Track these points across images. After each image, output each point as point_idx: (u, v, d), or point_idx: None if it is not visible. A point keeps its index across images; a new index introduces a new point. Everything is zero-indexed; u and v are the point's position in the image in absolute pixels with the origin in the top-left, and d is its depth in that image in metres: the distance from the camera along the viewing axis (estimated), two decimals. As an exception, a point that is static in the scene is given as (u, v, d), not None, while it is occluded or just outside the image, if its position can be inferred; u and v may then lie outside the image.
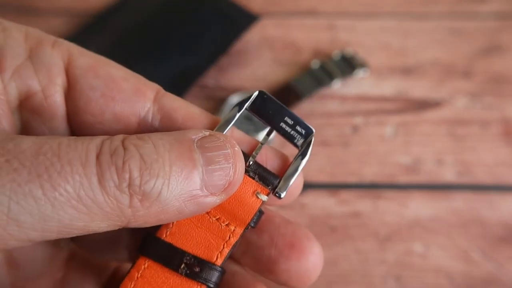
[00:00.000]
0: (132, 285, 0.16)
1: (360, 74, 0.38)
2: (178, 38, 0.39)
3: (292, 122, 0.18)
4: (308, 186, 0.33)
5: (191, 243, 0.17)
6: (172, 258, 0.16)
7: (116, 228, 0.14)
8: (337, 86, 0.38)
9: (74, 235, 0.14)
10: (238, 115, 0.18)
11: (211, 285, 0.16)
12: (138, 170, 0.14)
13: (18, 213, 0.12)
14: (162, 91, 0.18)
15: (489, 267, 0.29)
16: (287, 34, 0.42)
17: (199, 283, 0.16)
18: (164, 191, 0.14)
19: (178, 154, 0.14)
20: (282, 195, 0.17)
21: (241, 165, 0.15)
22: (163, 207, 0.14)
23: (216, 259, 0.17)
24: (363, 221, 0.31)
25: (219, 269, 0.17)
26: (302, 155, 0.18)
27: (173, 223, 0.17)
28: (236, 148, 0.15)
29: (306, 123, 0.18)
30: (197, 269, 0.16)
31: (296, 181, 0.18)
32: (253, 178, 0.17)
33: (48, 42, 0.17)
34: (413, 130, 0.36)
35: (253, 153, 0.18)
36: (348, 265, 0.30)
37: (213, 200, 0.15)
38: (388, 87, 0.39)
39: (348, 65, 0.39)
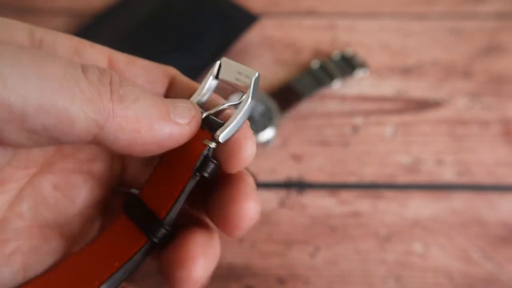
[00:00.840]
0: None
1: (360, 74, 0.38)
2: (178, 38, 0.39)
3: (241, 73, 0.18)
4: (308, 186, 0.33)
5: (153, 199, 0.17)
6: (139, 214, 0.17)
7: (94, 126, 0.14)
8: (337, 86, 0.38)
9: (56, 129, 0.14)
10: (205, 85, 0.19)
11: (155, 240, 0.17)
12: (119, 79, 0.15)
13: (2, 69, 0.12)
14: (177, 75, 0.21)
15: (489, 267, 0.29)
16: (287, 34, 0.42)
17: (145, 237, 0.17)
18: (140, 99, 0.15)
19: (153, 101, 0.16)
20: (220, 138, 0.17)
21: (198, 108, 0.18)
22: (138, 114, 0.15)
23: (163, 212, 0.17)
24: (363, 221, 0.31)
25: (161, 223, 0.17)
26: (244, 99, 0.18)
27: (146, 183, 0.18)
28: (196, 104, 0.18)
29: (248, 68, 0.18)
30: (148, 222, 0.17)
31: (242, 132, 0.18)
32: (204, 129, 0.18)
33: (85, 42, 0.18)
34: (413, 130, 0.36)
35: (211, 110, 0.18)
36: (348, 265, 0.30)
37: (179, 128, 0.16)
38: (388, 87, 0.39)
39: (348, 65, 0.39)
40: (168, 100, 0.17)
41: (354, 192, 0.33)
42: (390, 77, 0.39)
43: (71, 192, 0.18)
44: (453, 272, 0.29)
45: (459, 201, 0.32)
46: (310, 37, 0.42)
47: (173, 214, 0.17)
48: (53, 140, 0.14)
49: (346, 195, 0.33)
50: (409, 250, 0.30)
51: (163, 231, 0.17)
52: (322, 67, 0.39)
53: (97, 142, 0.15)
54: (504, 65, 0.40)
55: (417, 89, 0.38)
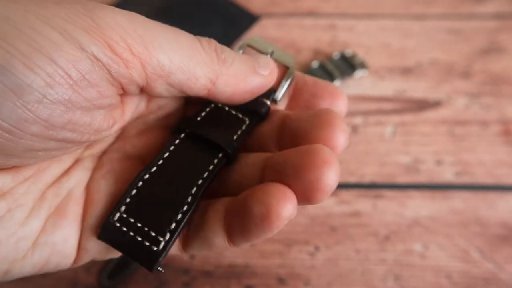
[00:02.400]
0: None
1: (359, 74, 0.39)
2: None
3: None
4: (308, 186, 0.33)
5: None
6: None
7: (209, 83, 0.18)
8: (336, 86, 0.38)
9: (186, 85, 0.18)
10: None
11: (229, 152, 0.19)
12: (220, 47, 0.20)
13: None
14: None
15: (488, 267, 0.29)
16: (287, 35, 0.42)
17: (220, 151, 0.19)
18: (236, 60, 0.19)
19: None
20: (277, 97, 0.21)
21: (274, 62, 0.21)
22: (236, 71, 0.19)
23: (234, 136, 0.19)
24: (362, 221, 0.32)
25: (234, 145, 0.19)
26: (288, 74, 0.22)
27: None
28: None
29: (285, 53, 0.22)
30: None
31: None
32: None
33: None
34: (413, 130, 0.36)
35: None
36: (348, 264, 0.30)
37: (262, 79, 0.20)
38: (388, 87, 0.39)
39: (348, 65, 0.39)
40: (253, 58, 0.21)
41: (354, 192, 0.33)
42: (389, 77, 0.39)
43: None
44: (452, 271, 0.29)
45: (459, 201, 0.32)
46: (310, 37, 0.42)
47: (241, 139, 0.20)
48: (182, 93, 0.18)
49: (346, 195, 0.33)
50: (409, 250, 0.30)
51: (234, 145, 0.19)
52: (322, 67, 0.39)
53: (209, 95, 0.19)
54: (503, 65, 0.40)
55: (417, 89, 0.39)
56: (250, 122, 0.20)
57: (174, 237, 0.16)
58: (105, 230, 0.16)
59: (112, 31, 0.15)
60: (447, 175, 0.33)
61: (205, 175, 0.17)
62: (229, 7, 0.41)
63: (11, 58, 0.11)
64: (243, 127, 0.20)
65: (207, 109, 0.20)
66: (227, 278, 0.29)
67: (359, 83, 0.39)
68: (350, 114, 0.37)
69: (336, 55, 0.40)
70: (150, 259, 0.16)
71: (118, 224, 0.16)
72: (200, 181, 0.17)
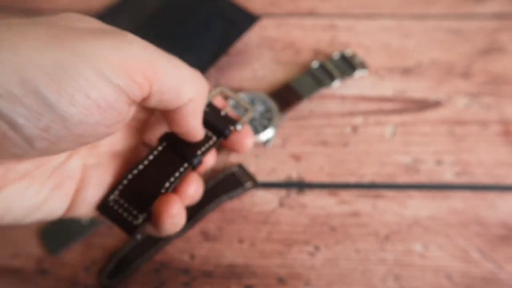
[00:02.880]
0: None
1: (359, 74, 0.39)
2: (178, 39, 0.39)
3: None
4: (308, 186, 0.33)
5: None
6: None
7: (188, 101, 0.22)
8: (336, 86, 0.38)
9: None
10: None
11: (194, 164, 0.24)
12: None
13: None
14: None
15: (488, 266, 0.29)
16: (287, 35, 0.42)
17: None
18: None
19: None
20: (238, 127, 0.26)
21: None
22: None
23: (199, 151, 0.24)
24: (362, 221, 0.32)
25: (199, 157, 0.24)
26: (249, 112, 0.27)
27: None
28: None
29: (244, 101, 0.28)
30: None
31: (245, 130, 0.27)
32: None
33: None
34: (413, 130, 0.36)
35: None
36: (348, 264, 0.30)
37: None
38: (388, 87, 0.39)
39: (348, 65, 0.39)
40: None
41: (353, 192, 0.33)
42: (389, 77, 0.39)
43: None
44: (452, 271, 0.29)
45: (459, 201, 0.32)
46: (310, 37, 0.42)
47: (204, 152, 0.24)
48: (164, 107, 0.21)
49: (345, 195, 0.33)
50: (409, 250, 0.30)
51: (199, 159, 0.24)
52: (322, 67, 0.39)
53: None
54: (503, 65, 0.40)
55: (417, 89, 0.39)
56: (216, 140, 0.25)
57: (149, 216, 0.22)
58: (103, 206, 0.23)
59: (132, 63, 0.18)
60: (447, 175, 0.33)
61: (176, 175, 0.23)
62: (229, 7, 0.41)
63: (59, 98, 0.17)
64: (210, 143, 0.25)
65: None
66: (227, 278, 0.29)
67: (359, 83, 0.39)
68: (350, 114, 0.37)
69: (336, 55, 0.40)
70: (131, 229, 0.22)
71: (111, 204, 0.23)
72: (171, 179, 0.23)
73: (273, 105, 0.36)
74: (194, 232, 0.31)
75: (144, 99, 0.20)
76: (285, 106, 0.36)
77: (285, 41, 0.42)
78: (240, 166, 0.34)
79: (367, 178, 0.34)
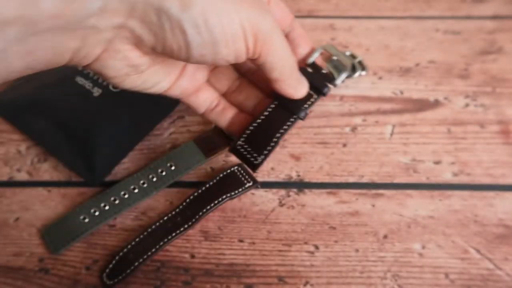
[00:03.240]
0: None
1: (359, 74, 0.39)
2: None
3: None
4: (307, 185, 0.34)
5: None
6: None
7: None
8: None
9: None
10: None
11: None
12: None
13: None
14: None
15: (487, 266, 0.30)
16: (286, 35, 0.43)
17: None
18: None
19: None
20: (336, 84, 0.32)
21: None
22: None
23: (305, 105, 0.30)
24: (362, 221, 0.32)
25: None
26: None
27: None
28: None
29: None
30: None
31: None
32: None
33: None
34: (412, 130, 0.36)
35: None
36: (347, 263, 0.30)
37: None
38: (387, 87, 0.39)
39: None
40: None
41: (353, 191, 0.33)
42: (388, 78, 0.40)
43: None
44: (451, 270, 0.29)
45: (457, 200, 0.32)
46: (309, 38, 0.42)
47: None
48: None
49: (345, 194, 0.33)
50: (408, 249, 0.30)
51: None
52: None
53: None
54: (501, 65, 0.40)
55: (416, 89, 0.39)
56: (316, 97, 0.30)
57: (266, 157, 0.29)
58: (233, 149, 0.30)
59: (259, 32, 0.24)
60: (446, 174, 0.34)
61: (286, 126, 0.29)
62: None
63: (218, 26, 0.22)
64: (312, 100, 0.30)
65: None
66: (227, 277, 0.30)
67: (359, 83, 0.39)
68: (350, 114, 0.37)
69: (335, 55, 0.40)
70: (253, 167, 0.29)
71: (238, 147, 0.29)
72: (282, 130, 0.29)
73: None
74: (195, 231, 0.32)
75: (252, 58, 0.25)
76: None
77: (285, 42, 0.42)
78: (240, 166, 0.34)
79: (366, 178, 0.34)
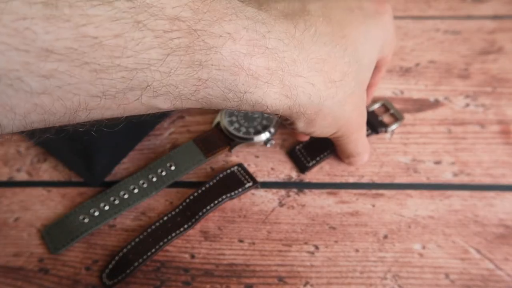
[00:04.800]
0: None
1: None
2: None
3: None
4: (307, 185, 0.34)
5: None
6: None
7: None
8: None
9: None
10: None
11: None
12: None
13: None
14: None
15: (487, 266, 0.30)
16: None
17: None
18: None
19: None
20: (389, 130, 0.37)
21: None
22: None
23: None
24: (362, 221, 0.32)
25: None
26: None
27: None
28: None
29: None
30: None
31: None
32: None
33: None
34: (412, 130, 0.36)
35: None
36: (347, 264, 0.30)
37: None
38: (387, 87, 0.39)
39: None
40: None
41: (353, 191, 0.33)
42: (389, 78, 0.40)
43: None
44: (451, 270, 0.29)
45: (457, 200, 0.32)
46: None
47: None
48: None
49: (345, 194, 0.33)
50: (408, 249, 0.30)
51: None
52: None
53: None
54: (501, 65, 0.40)
55: (416, 89, 0.39)
56: (371, 132, 0.36)
57: (317, 163, 0.34)
58: (291, 152, 0.35)
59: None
60: (446, 174, 0.34)
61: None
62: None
63: None
64: (367, 132, 0.34)
65: None
66: (227, 277, 0.30)
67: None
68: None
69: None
70: (304, 169, 0.34)
71: (296, 151, 0.35)
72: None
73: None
74: (195, 231, 0.32)
75: None
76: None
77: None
78: (240, 166, 0.34)
79: (366, 178, 0.34)
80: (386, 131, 0.36)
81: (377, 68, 0.32)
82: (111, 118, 0.21)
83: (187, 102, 0.21)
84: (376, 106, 0.37)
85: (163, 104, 0.20)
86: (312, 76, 0.24)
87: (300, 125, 0.27)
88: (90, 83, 0.17)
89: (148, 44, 0.17)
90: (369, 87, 0.35)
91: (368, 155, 0.34)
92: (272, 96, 0.23)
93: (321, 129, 0.28)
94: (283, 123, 0.28)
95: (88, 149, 0.34)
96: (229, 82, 0.21)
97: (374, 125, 0.36)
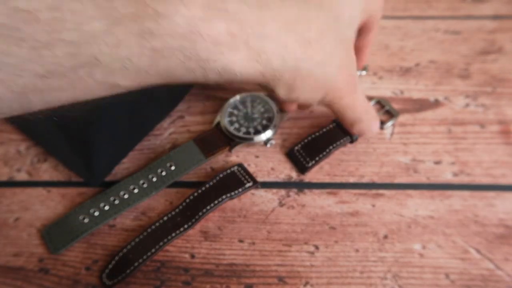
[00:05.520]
0: None
1: (359, 74, 0.39)
2: None
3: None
4: (307, 185, 0.34)
5: None
6: None
7: None
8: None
9: None
10: None
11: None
12: None
13: None
14: None
15: (487, 266, 0.30)
16: (286, 35, 0.43)
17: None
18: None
19: None
20: (383, 127, 0.37)
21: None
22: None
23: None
24: (362, 221, 0.32)
25: None
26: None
27: None
28: None
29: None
30: None
31: None
32: None
33: None
34: (412, 130, 0.36)
35: None
36: (347, 264, 0.30)
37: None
38: (387, 87, 0.39)
39: (347, 66, 0.39)
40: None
41: (353, 191, 0.33)
42: (389, 78, 0.40)
43: None
44: (451, 270, 0.29)
45: (457, 200, 0.32)
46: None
47: None
48: None
49: (345, 194, 0.33)
50: (408, 249, 0.30)
51: None
52: (322, 68, 0.39)
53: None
54: (502, 65, 0.40)
55: (416, 89, 0.39)
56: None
57: (316, 163, 0.34)
58: (290, 152, 0.35)
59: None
60: (446, 174, 0.34)
61: (338, 142, 0.34)
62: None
63: None
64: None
65: None
66: (227, 277, 0.30)
67: (358, 83, 0.39)
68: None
69: (335, 55, 0.40)
70: (303, 169, 0.34)
71: (295, 152, 0.34)
72: (334, 144, 0.34)
73: (273, 105, 0.36)
74: (194, 231, 0.32)
75: None
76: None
77: (285, 42, 0.42)
78: (240, 166, 0.34)
79: (366, 178, 0.34)
80: (382, 128, 0.36)
81: (366, 28, 0.31)
82: (73, 102, 0.20)
83: (149, 77, 0.20)
84: (371, 103, 0.37)
85: (123, 81, 0.19)
86: (283, 37, 0.22)
87: (281, 92, 0.25)
88: (32, 61, 0.16)
89: (89, 14, 0.16)
90: (361, 49, 0.34)
91: (376, 123, 0.32)
92: (239, 63, 0.21)
93: (305, 94, 0.26)
94: (266, 93, 0.27)
95: (88, 150, 0.34)
96: (188, 50, 0.20)
97: None
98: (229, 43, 0.20)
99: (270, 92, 0.26)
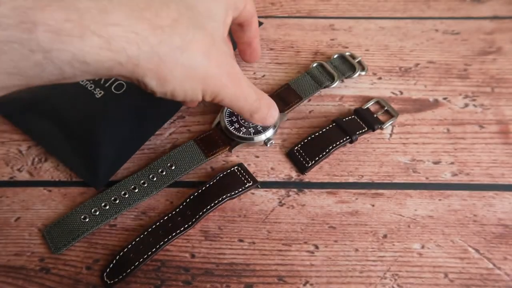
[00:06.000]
0: None
1: (358, 74, 0.39)
2: None
3: None
4: (307, 185, 0.34)
5: None
6: None
7: None
8: (336, 86, 0.38)
9: None
10: None
11: None
12: None
13: None
14: None
15: (486, 265, 0.30)
16: (287, 36, 0.43)
17: None
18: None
19: None
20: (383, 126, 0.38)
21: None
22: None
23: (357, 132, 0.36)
24: (361, 220, 0.32)
25: None
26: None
27: None
28: None
29: None
30: None
31: None
32: None
33: None
34: (411, 130, 0.36)
35: None
36: (347, 263, 0.30)
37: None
38: (386, 88, 0.39)
39: (347, 66, 0.39)
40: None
41: (352, 191, 0.33)
42: (388, 78, 0.40)
43: None
44: (450, 270, 0.30)
45: (456, 200, 0.33)
46: (309, 38, 0.43)
47: None
48: None
49: (345, 194, 0.33)
50: (407, 249, 0.30)
51: None
52: (322, 68, 0.39)
53: None
54: (500, 66, 0.40)
55: (415, 89, 0.39)
56: (366, 130, 0.36)
57: (315, 163, 0.34)
58: (290, 152, 0.35)
59: None
60: (445, 174, 0.34)
61: (338, 143, 0.35)
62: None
63: None
64: (363, 130, 0.36)
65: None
66: (227, 277, 0.30)
67: (358, 83, 0.39)
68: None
69: (335, 56, 0.40)
70: (303, 169, 0.34)
71: (295, 152, 0.35)
72: (334, 145, 0.34)
73: (272, 105, 0.36)
74: (195, 231, 0.32)
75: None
76: (285, 106, 0.37)
77: (285, 42, 0.42)
78: (240, 166, 0.34)
79: (366, 178, 0.34)
80: (382, 128, 0.36)
81: (246, 22, 0.33)
82: None
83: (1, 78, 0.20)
84: (370, 103, 0.37)
85: None
86: (133, 24, 0.22)
87: (152, 84, 0.25)
88: None
89: None
90: (249, 43, 0.36)
91: (274, 109, 0.33)
92: (90, 51, 0.21)
93: (180, 85, 0.25)
94: (142, 88, 0.26)
95: (92, 153, 0.34)
96: (27, 41, 0.19)
97: (370, 122, 0.36)
98: (70, 31, 0.20)
99: (142, 86, 0.25)
